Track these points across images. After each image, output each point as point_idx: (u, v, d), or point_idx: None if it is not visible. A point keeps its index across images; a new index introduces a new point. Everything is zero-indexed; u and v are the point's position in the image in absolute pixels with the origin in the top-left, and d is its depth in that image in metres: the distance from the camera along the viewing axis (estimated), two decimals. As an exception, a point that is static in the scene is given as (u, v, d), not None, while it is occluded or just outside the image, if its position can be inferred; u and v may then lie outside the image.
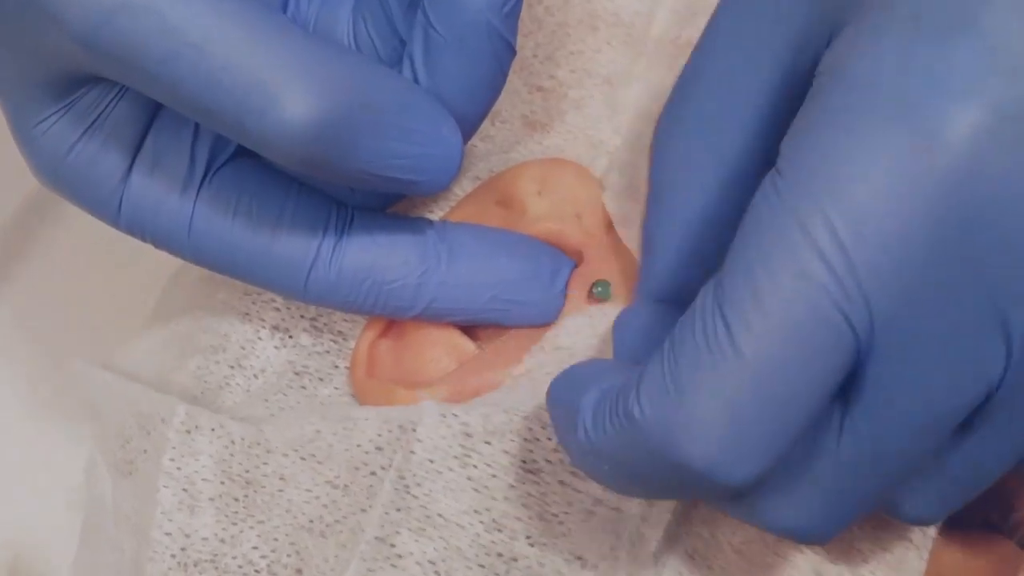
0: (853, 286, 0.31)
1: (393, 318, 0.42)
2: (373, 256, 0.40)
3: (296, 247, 0.39)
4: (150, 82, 0.35)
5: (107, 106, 0.39)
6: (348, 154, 0.36)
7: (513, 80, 0.40)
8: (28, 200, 0.57)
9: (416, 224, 0.41)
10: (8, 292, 0.57)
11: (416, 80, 0.38)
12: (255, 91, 0.35)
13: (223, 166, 0.40)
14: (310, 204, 0.40)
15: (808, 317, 0.31)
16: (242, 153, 0.40)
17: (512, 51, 0.38)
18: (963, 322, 0.32)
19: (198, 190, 0.39)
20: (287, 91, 0.35)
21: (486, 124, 0.43)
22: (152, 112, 0.39)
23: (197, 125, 0.39)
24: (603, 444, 0.34)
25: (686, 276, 0.39)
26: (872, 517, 0.41)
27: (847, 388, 0.33)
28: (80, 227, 0.56)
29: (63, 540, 0.49)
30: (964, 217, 0.31)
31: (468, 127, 0.39)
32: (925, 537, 0.41)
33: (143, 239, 0.40)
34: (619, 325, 0.40)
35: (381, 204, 0.42)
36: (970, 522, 0.42)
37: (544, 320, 0.42)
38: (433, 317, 0.41)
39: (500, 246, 0.41)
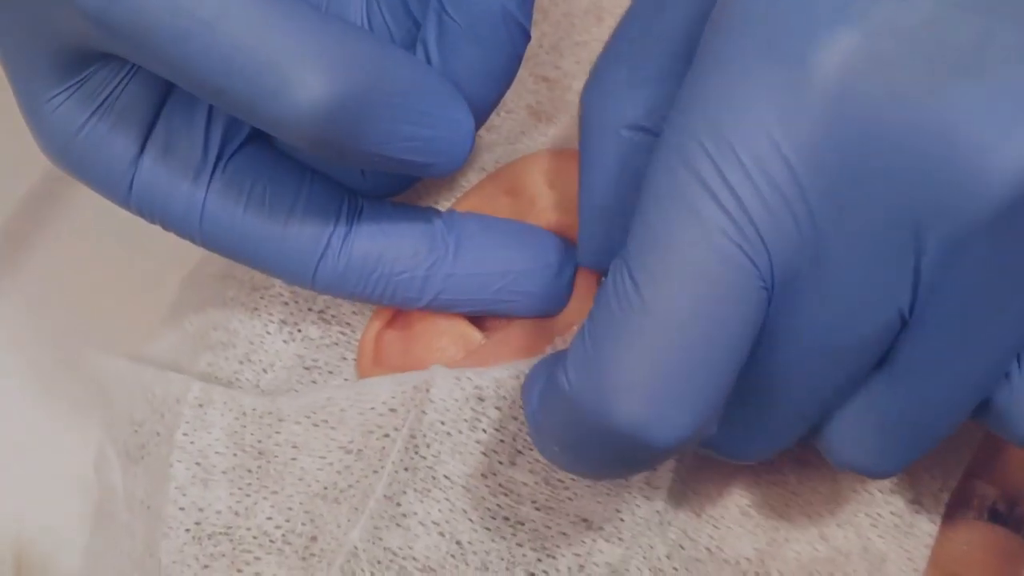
0: (747, 224, 0.31)
1: (401, 308, 0.42)
2: (382, 247, 0.40)
3: (307, 238, 0.39)
4: (161, 61, 0.35)
5: (117, 86, 0.38)
6: (361, 136, 0.36)
7: (519, 70, 0.40)
8: (35, 188, 0.57)
9: (424, 214, 0.41)
10: (15, 281, 0.57)
11: (430, 65, 0.38)
12: (267, 71, 0.34)
13: (236, 152, 0.40)
14: (322, 194, 0.40)
15: (709, 259, 0.31)
16: (255, 137, 0.40)
17: (527, 36, 0.38)
18: (860, 248, 0.32)
19: (210, 177, 0.39)
20: (300, 72, 0.34)
21: (491, 114, 0.43)
22: (164, 94, 0.39)
23: (211, 109, 0.39)
24: (546, 423, 0.34)
25: (613, 242, 0.38)
26: (881, 483, 0.41)
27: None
28: (88, 216, 0.56)
29: (70, 529, 0.49)
30: (846, 142, 0.31)
31: (482, 113, 0.39)
32: (936, 502, 0.41)
33: (152, 221, 0.40)
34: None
35: (392, 190, 0.42)
36: (975, 514, 0.42)
37: (551, 311, 0.42)
38: (441, 308, 0.41)
39: (508, 237, 0.41)
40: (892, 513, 0.41)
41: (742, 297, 0.32)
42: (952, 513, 0.42)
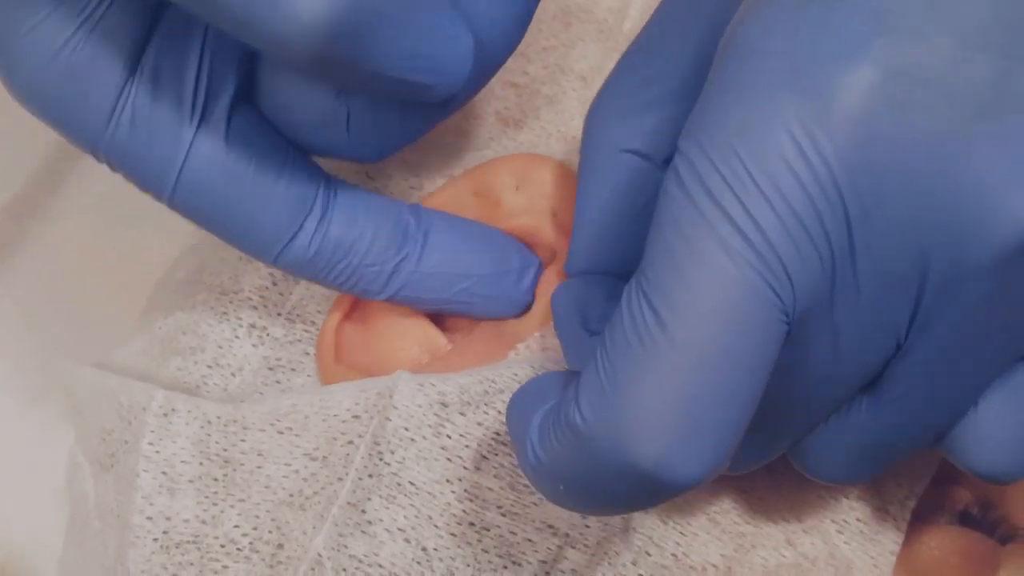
0: (773, 258, 0.31)
1: (359, 297, 0.42)
2: (355, 237, 0.40)
3: (281, 218, 0.39)
4: None
5: (98, 5, 0.36)
6: (364, 53, 0.33)
7: None
8: (16, 196, 0.56)
9: (398, 207, 0.41)
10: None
11: None
12: None
13: (224, 112, 0.38)
14: (303, 173, 0.39)
15: (739, 293, 0.31)
16: (244, 101, 0.39)
17: None
18: (872, 280, 0.32)
19: (192, 138, 0.37)
20: None
21: (459, 120, 0.43)
22: (150, 23, 0.37)
23: (200, 58, 0.37)
24: (552, 462, 0.33)
25: (604, 253, 0.39)
26: (848, 490, 0.41)
27: None
28: (69, 224, 0.56)
29: (52, 537, 0.49)
30: (864, 177, 0.31)
31: (497, 61, 0.37)
32: (903, 509, 0.41)
33: (117, 171, 0.38)
34: (554, 300, 0.40)
35: (374, 152, 0.39)
36: (948, 519, 0.43)
37: (509, 314, 0.42)
38: (399, 302, 0.41)
39: (472, 240, 0.41)
40: (858, 520, 0.41)
41: (768, 332, 0.31)
42: (925, 517, 0.42)
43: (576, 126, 0.44)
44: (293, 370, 0.43)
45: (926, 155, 0.31)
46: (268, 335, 0.43)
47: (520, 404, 0.35)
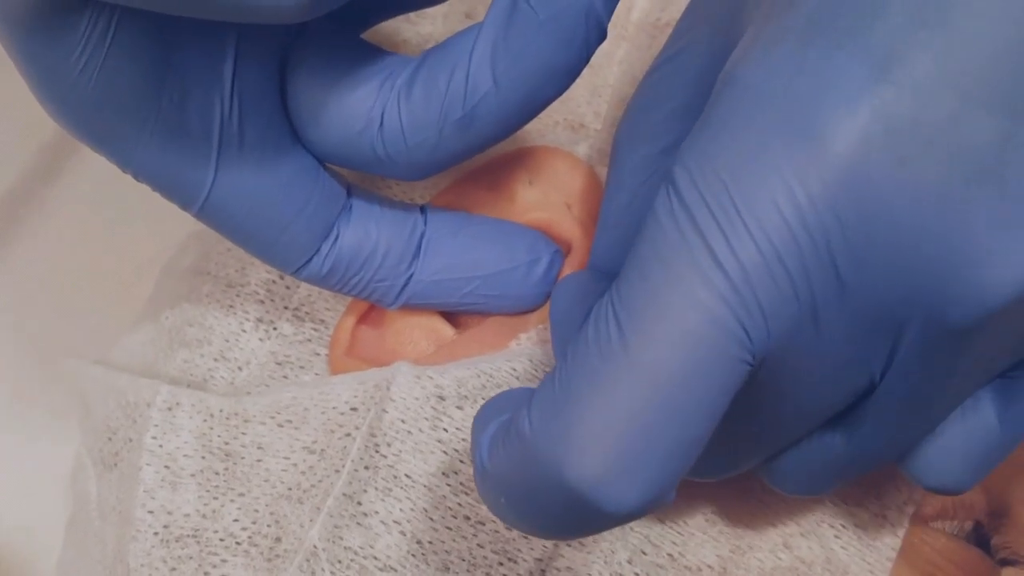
0: (751, 297, 0.30)
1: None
2: (366, 254, 0.40)
3: (299, 246, 0.39)
4: None
5: (105, 31, 0.35)
6: None
7: None
8: (11, 189, 0.57)
9: (410, 218, 0.41)
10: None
11: (492, 58, 0.36)
12: None
13: (256, 141, 0.38)
14: (327, 201, 0.40)
15: (707, 325, 0.30)
16: (275, 121, 0.39)
17: (604, 36, 0.36)
18: (850, 327, 0.31)
19: (221, 167, 0.38)
20: None
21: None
22: (165, 57, 0.36)
23: (232, 90, 0.37)
24: (496, 470, 0.32)
25: (619, 251, 0.39)
26: (847, 494, 0.41)
27: None
28: (65, 219, 0.57)
29: (48, 531, 0.49)
30: (854, 227, 0.30)
31: (534, 110, 0.37)
32: (900, 515, 0.41)
33: (146, 185, 0.38)
34: (555, 290, 0.40)
35: (409, 168, 0.39)
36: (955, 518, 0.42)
37: (524, 309, 0.42)
38: (410, 307, 0.42)
39: (476, 240, 0.41)
40: (856, 525, 0.41)
41: (730, 370, 0.30)
42: (934, 516, 0.42)
43: (583, 113, 0.44)
44: (302, 368, 0.43)
45: (919, 212, 0.30)
46: (275, 330, 0.44)
47: (483, 415, 0.35)
